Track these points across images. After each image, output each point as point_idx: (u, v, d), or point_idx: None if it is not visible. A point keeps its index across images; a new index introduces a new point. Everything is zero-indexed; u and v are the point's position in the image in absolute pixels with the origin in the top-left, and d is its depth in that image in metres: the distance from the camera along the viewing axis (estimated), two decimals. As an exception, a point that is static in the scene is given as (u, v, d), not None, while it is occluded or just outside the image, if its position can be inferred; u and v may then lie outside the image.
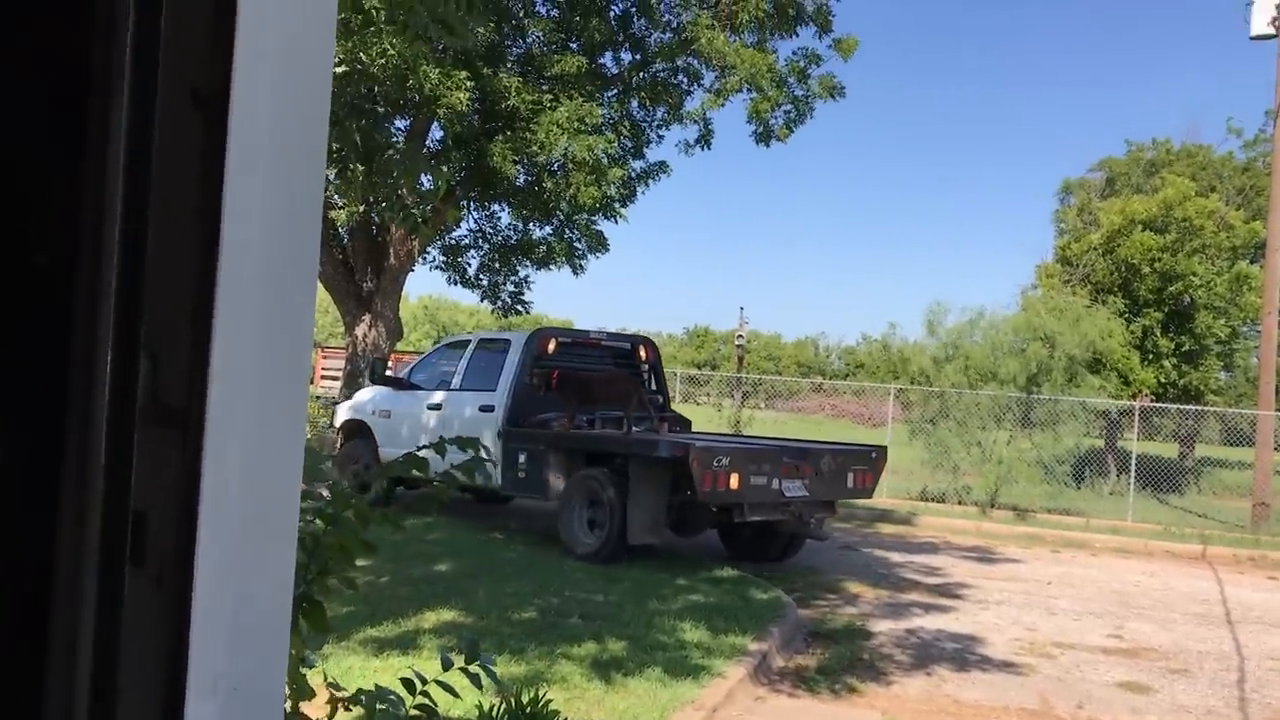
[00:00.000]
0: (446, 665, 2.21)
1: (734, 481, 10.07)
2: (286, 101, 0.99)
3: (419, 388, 13.92)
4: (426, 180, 15.01)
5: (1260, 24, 19.82)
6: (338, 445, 15.18)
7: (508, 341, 13.00)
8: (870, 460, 11.86)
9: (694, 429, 14.24)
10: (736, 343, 54.86)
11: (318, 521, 1.88)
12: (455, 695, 2.25)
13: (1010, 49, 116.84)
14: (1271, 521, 18.78)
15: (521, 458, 11.84)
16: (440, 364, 14.09)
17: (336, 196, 17.11)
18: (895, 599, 10.64)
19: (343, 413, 15.43)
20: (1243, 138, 38.21)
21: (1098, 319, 23.26)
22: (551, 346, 12.63)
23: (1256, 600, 12.22)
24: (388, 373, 14.86)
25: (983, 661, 8.39)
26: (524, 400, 12.24)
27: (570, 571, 10.15)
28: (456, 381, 13.37)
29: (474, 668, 2.21)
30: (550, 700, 5.21)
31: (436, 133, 17.11)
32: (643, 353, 13.68)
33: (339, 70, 12.87)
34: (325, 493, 1.96)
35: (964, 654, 8.60)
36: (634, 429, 11.98)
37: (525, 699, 5.16)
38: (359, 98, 14.30)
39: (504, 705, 5.06)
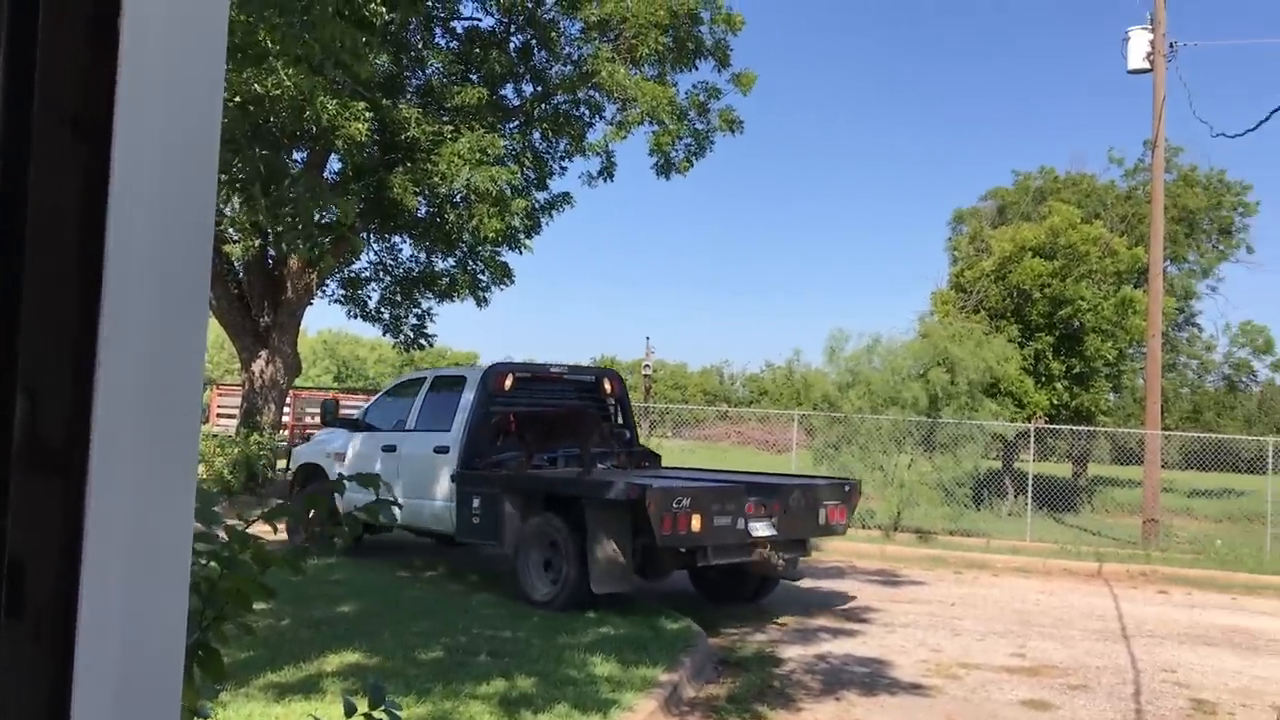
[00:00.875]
0: (349, 711, 2.14)
1: (696, 523, 9.46)
2: (175, 130, 0.95)
3: (374, 428, 13.34)
4: (330, 213, 14.85)
5: (1136, 59, 20.68)
6: (291, 490, 14.57)
7: (463, 378, 12.45)
8: (843, 494, 11.28)
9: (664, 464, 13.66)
10: (644, 372, 55.15)
11: (213, 564, 1.81)
12: (359, 741, 2.19)
13: (904, 83, 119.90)
14: (1161, 537, 19.43)
15: (475, 502, 11.21)
16: (396, 402, 13.50)
17: (232, 230, 16.78)
18: (804, 624, 10.71)
19: (299, 455, 14.79)
20: (1124, 167, 39.85)
21: (995, 345, 23.89)
22: (508, 383, 11.98)
23: (1149, 614, 12.60)
24: (341, 413, 14.21)
25: (891, 685, 8.48)
26: (479, 440, 11.58)
27: (478, 608, 10.02)
28: (412, 421, 12.79)
29: (378, 713, 2.15)
30: (459, 740, 5.12)
31: (335, 164, 16.93)
32: (608, 386, 13.11)
33: (234, 100, 12.66)
34: (222, 534, 1.90)
35: (873, 678, 8.68)
36: (596, 467, 11.44)
37: (433, 740, 5.05)
38: (258, 126, 14.08)
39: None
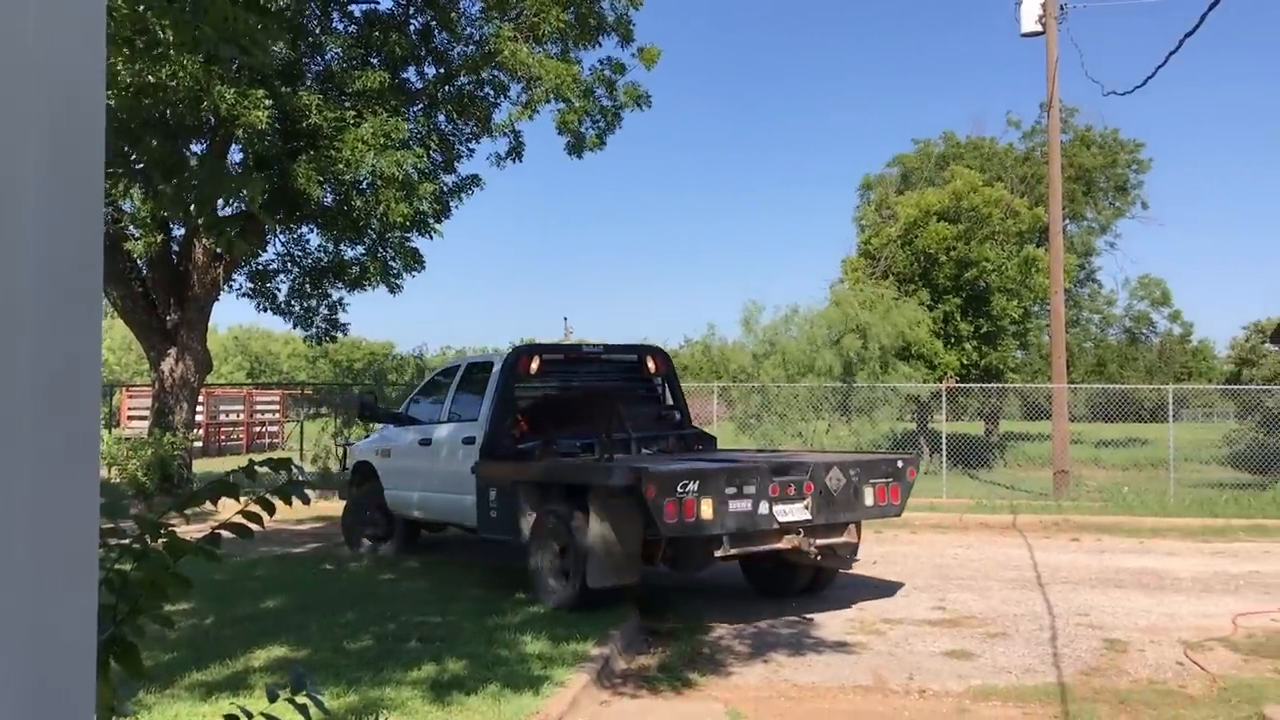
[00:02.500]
0: (272, 698, 2.14)
1: (706, 509, 8.45)
2: (57, 119, 0.95)
3: (416, 421, 12.61)
4: (238, 200, 14.53)
5: (1029, 22, 21.10)
6: (349, 490, 13.89)
7: (490, 364, 11.61)
8: (896, 470, 9.87)
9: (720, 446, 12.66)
10: (561, 352, 54.94)
11: (124, 559, 1.79)
12: (285, 729, 2.19)
13: (809, 54, 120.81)
14: (1071, 487, 20.05)
15: (492, 494, 10.54)
16: (435, 394, 12.70)
17: (133, 227, 16.35)
18: (731, 592, 10.85)
19: (354, 454, 14.02)
20: (1021, 129, 40.77)
21: (906, 310, 24.34)
22: (534, 365, 11.21)
23: (1063, 561, 13.01)
24: (381, 406, 13.23)
25: (817, 644, 8.66)
26: (501, 429, 10.87)
27: (406, 595, 9.97)
28: (445, 412, 12.11)
29: (301, 698, 2.15)
30: (391, 727, 5.11)
31: (237, 155, 16.56)
32: (651, 364, 12.05)
33: (129, 90, 12.33)
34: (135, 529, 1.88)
35: (799, 639, 8.85)
36: (616, 452, 10.47)
37: (365, 729, 5.04)
38: (155, 116, 13.72)
39: (343, 737, 4.94)
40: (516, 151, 17.44)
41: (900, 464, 9.96)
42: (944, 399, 22.85)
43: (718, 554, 8.85)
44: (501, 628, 8.47)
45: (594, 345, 12.33)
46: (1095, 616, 9.70)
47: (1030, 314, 30.27)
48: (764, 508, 8.78)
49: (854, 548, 9.93)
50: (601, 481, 9.06)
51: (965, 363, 28.30)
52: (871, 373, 22.04)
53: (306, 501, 2.25)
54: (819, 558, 9.32)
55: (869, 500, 9.53)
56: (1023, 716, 6.77)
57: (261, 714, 2.13)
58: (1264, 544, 14.45)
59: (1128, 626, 9.29)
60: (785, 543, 8.97)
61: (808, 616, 9.65)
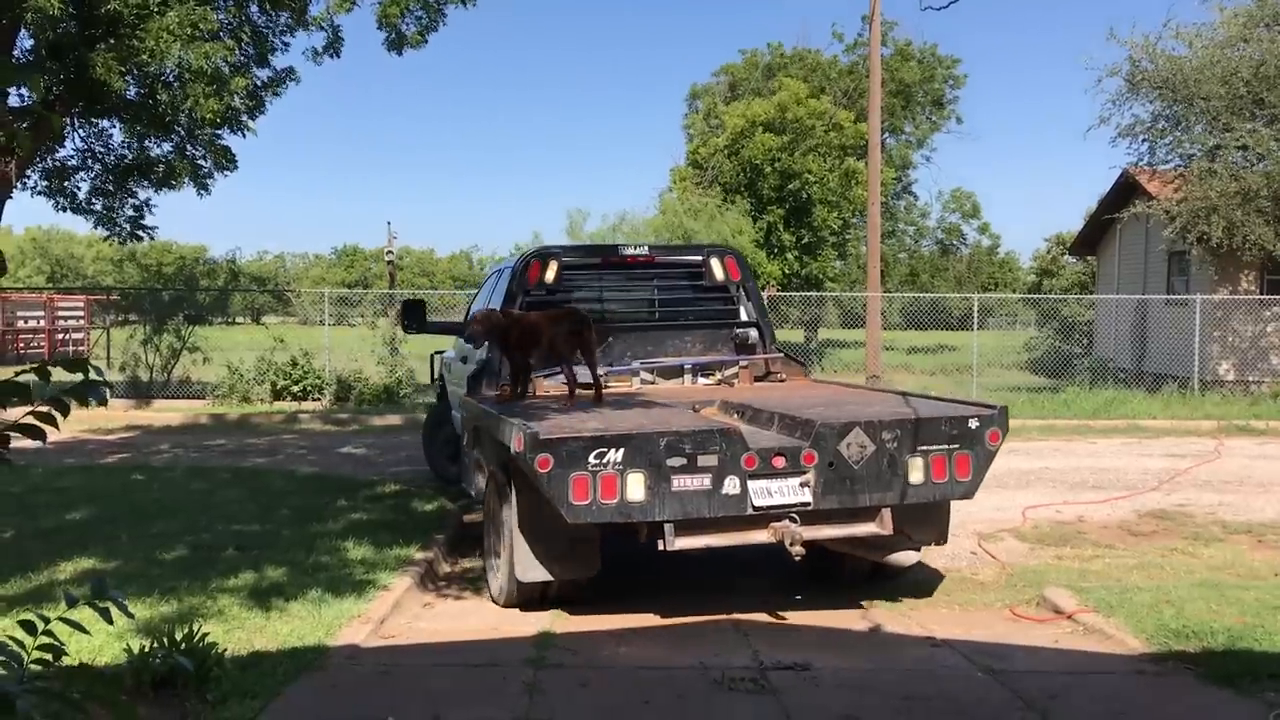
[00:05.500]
0: (71, 603, 2.09)
1: (635, 488, 5.98)
2: None
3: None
4: (22, 94, 13.50)
5: (854, -65, 21.40)
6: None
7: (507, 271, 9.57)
8: (966, 433, 6.56)
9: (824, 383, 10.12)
10: (386, 259, 53.67)
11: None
12: (84, 631, 2.15)
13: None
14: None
15: (465, 439, 8.73)
16: (482, 299, 10.39)
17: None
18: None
19: (441, 365, 11.83)
20: (845, 42, 41.54)
21: (729, 218, 24.73)
22: (551, 273, 8.83)
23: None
24: (430, 318, 10.61)
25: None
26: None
27: (223, 504, 9.75)
28: None
29: (103, 603, 2.11)
30: (207, 634, 5.05)
31: (26, 41, 15.36)
32: (719, 269, 9.40)
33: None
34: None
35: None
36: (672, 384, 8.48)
37: (179, 636, 4.96)
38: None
39: (155, 646, 4.85)
40: (334, 47, 16.67)
41: (974, 423, 6.57)
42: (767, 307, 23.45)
43: (663, 549, 6.14)
44: (323, 535, 8.40)
45: (640, 246, 9.76)
46: (899, 511, 10.25)
47: (850, 225, 31.24)
48: (732, 485, 6.14)
49: (910, 539, 6.99)
50: (504, 440, 6.47)
51: (787, 272, 29.07)
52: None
53: (103, 402, 2.18)
54: (795, 553, 6.30)
55: (916, 476, 6.45)
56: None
57: (59, 618, 2.09)
58: (1054, 443, 15.50)
59: (928, 520, 9.86)
60: (770, 533, 6.32)
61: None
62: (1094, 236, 27.61)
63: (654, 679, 5.45)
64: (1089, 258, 31.41)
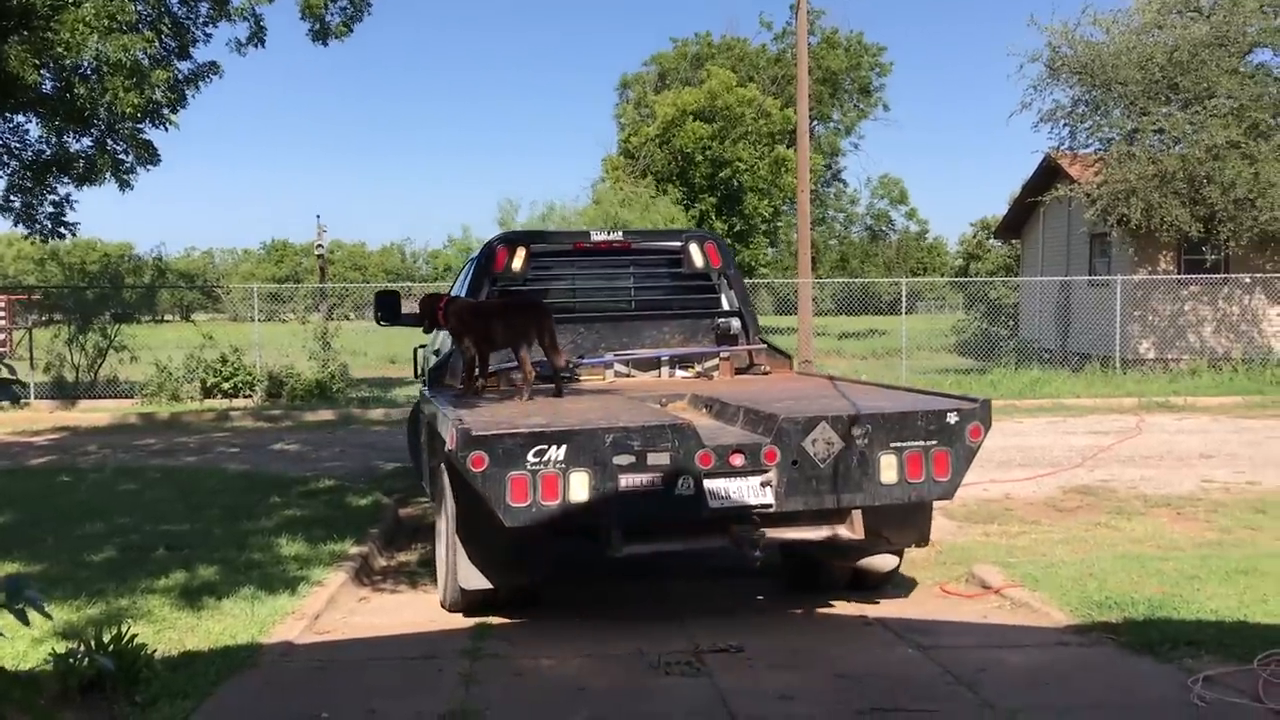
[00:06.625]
0: (-13, 606, 2.06)
1: (578, 488, 5.47)
2: None
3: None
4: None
5: (780, -76, 21.54)
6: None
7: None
8: (944, 428, 6.00)
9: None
10: (317, 253, 52.81)
11: None
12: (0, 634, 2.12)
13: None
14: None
15: (423, 435, 8.17)
16: (457, 288, 9.60)
17: None
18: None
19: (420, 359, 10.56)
20: (773, 31, 41.81)
21: (661, 207, 24.79)
22: (519, 261, 8.34)
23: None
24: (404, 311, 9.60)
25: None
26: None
27: (153, 504, 9.59)
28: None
29: (18, 604, 2.07)
30: (135, 635, 4.98)
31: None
32: (698, 255, 8.87)
33: None
34: None
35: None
36: (572, 379, 7.98)
37: (106, 638, 4.89)
38: None
39: (82, 649, 4.78)
40: (258, 37, 16.42)
41: (953, 417, 6.04)
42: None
43: (611, 554, 5.75)
44: (255, 532, 8.30)
45: (615, 231, 9.28)
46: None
47: (780, 212, 31.50)
48: (685, 486, 5.64)
49: (888, 543, 6.58)
50: (443, 435, 6.04)
51: (720, 260, 29.20)
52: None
53: (15, 400, 2.15)
54: (753, 558, 5.90)
55: (888, 475, 5.92)
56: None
57: (-25, 621, 2.05)
58: (982, 423, 15.77)
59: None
60: (729, 537, 5.89)
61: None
62: (1018, 220, 28.14)
63: (590, 666, 5.48)
64: (1014, 241, 32.00)
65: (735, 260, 9.45)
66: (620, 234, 9.12)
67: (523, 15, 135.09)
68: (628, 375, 8.65)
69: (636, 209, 24.12)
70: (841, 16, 54.23)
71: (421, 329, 8.39)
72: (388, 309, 9.59)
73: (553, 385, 7.31)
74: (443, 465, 6.45)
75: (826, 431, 5.81)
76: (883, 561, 6.83)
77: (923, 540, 6.70)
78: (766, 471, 5.74)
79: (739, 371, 8.85)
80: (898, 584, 7.28)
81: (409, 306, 9.43)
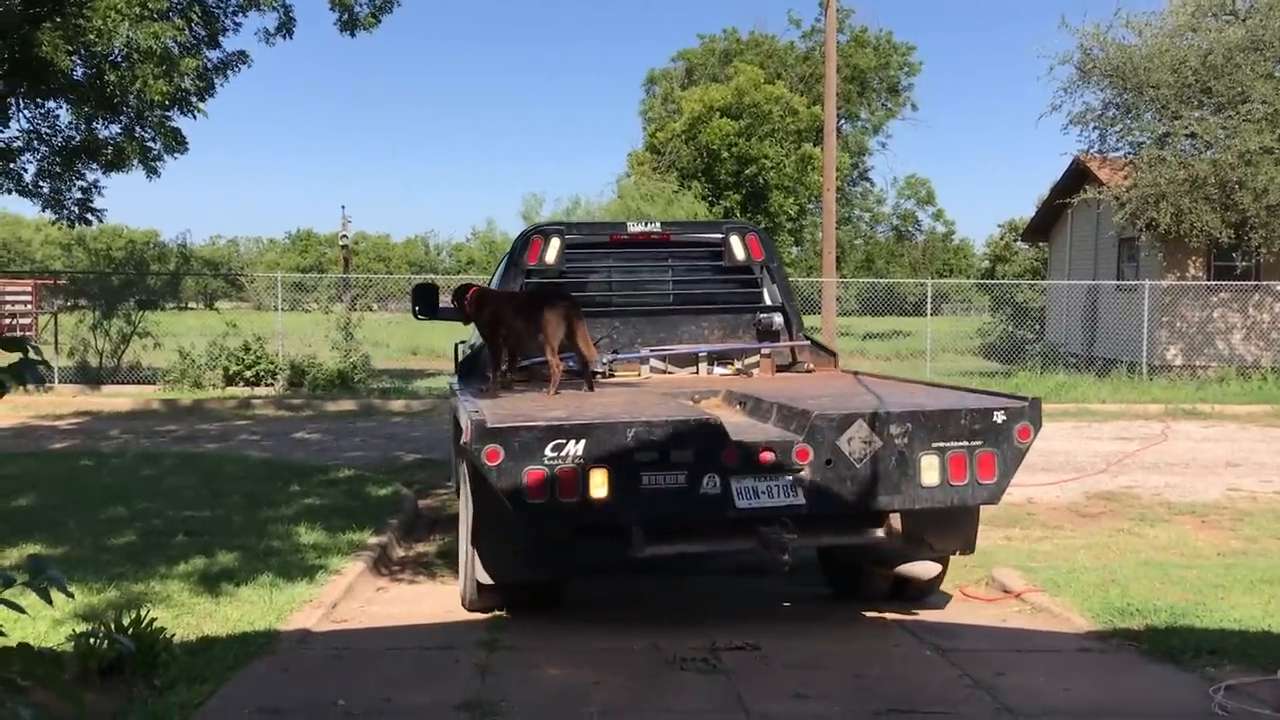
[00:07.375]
0: (8, 584, 2.07)
1: (599, 485, 5.24)
2: None
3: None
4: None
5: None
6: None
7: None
8: (990, 428, 5.65)
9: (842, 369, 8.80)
10: (341, 243, 53.22)
11: None
12: (21, 611, 2.13)
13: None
14: (838, 376, 21.13)
15: (451, 431, 8.07)
16: (495, 280, 9.34)
17: None
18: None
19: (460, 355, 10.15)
20: (801, 28, 41.66)
21: (684, 201, 24.75)
22: (553, 253, 8.07)
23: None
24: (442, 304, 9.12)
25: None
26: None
27: (173, 490, 9.64)
28: None
29: (41, 582, 2.08)
30: (154, 619, 4.99)
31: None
32: (740, 248, 8.48)
33: None
34: None
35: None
36: (597, 374, 7.58)
37: (126, 621, 4.91)
38: None
39: (102, 631, 4.80)
40: (287, 27, 16.46)
41: (1000, 416, 5.65)
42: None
43: (631, 554, 5.46)
44: (275, 520, 8.33)
45: (652, 222, 8.93)
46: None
47: (806, 211, 31.38)
48: (711, 484, 5.37)
49: (931, 549, 6.22)
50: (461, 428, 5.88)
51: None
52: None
53: (40, 382, 2.15)
54: (784, 563, 5.53)
55: (930, 477, 5.57)
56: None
57: (-5, 598, 2.06)
58: (1004, 426, 15.67)
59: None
60: (757, 540, 5.56)
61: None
62: (1046, 223, 27.93)
63: (606, 660, 5.47)
64: (1041, 244, 31.78)
65: (778, 254, 9.09)
66: (658, 225, 8.77)
67: (553, 14, 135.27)
68: (664, 372, 8.37)
69: (659, 204, 24.10)
70: (870, 15, 54.10)
71: (461, 322, 8.09)
72: (426, 302, 9.12)
73: (584, 381, 7.18)
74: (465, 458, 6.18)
75: (863, 430, 5.51)
76: (924, 569, 6.45)
77: (968, 547, 6.32)
78: (798, 471, 5.46)
79: (781, 369, 8.51)
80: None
81: (446, 300, 9.21)
